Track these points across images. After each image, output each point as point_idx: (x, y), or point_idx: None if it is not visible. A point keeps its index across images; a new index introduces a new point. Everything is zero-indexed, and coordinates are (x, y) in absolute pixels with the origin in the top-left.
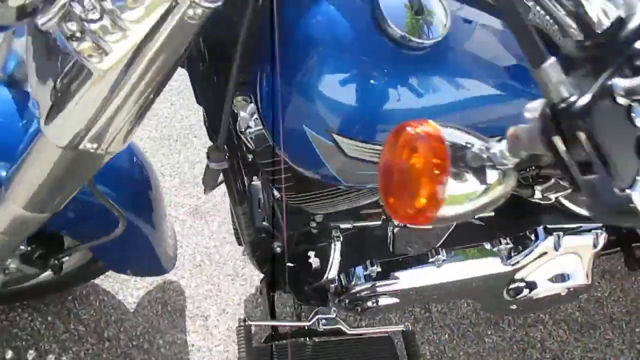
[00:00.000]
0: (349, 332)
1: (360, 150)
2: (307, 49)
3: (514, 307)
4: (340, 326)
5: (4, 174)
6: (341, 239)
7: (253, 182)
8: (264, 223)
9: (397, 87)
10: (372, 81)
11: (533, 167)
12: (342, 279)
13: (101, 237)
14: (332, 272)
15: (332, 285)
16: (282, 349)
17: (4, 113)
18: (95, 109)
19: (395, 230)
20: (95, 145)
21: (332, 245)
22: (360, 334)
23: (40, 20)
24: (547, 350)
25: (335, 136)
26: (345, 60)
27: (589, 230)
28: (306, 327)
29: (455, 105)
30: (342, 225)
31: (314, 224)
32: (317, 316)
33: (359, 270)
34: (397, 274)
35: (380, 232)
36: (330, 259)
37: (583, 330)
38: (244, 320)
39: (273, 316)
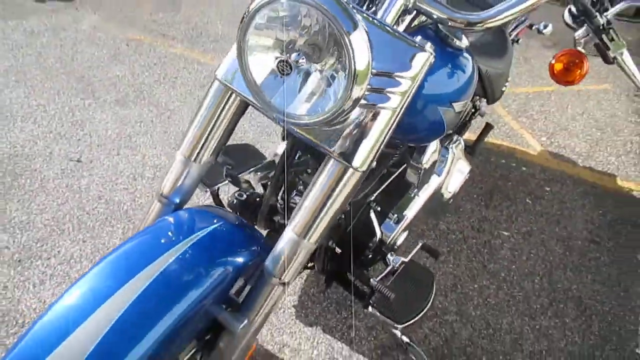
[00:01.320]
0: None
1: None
2: None
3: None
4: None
5: None
6: (377, 207)
7: None
8: None
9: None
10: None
11: None
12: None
13: None
14: (378, 233)
15: (380, 244)
16: None
17: None
18: None
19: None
20: None
21: (371, 214)
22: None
23: None
24: None
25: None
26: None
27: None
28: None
29: None
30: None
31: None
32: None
33: (387, 224)
34: (405, 212)
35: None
36: (374, 225)
37: None
38: None
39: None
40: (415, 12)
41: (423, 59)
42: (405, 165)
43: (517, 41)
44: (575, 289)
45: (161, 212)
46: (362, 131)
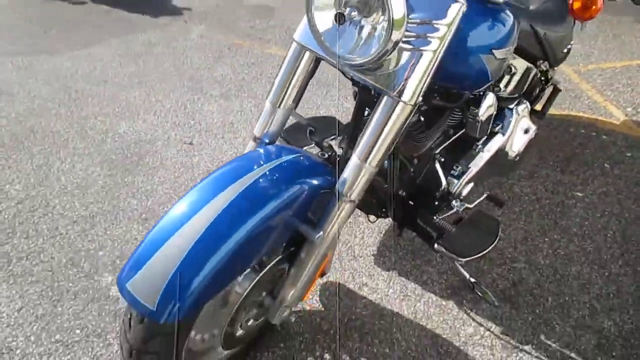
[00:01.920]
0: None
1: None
2: None
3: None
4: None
5: None
6: (441, 159)
7: None
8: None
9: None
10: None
11: None
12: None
13: None
14: (444, 183)
15: (447, 193)
16: None
17: None
18: None
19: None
20: None
21: (437, 166)
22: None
23: None
24: None
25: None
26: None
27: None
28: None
29: None
30: (437, 150)
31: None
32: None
33: (453, 175)
34: (470, 165)
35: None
36: (440, 175)
37: None
38: None
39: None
40: None
41: (456, 8)
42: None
43: None
44: None
45: (254, 149)
46: (409, 71)
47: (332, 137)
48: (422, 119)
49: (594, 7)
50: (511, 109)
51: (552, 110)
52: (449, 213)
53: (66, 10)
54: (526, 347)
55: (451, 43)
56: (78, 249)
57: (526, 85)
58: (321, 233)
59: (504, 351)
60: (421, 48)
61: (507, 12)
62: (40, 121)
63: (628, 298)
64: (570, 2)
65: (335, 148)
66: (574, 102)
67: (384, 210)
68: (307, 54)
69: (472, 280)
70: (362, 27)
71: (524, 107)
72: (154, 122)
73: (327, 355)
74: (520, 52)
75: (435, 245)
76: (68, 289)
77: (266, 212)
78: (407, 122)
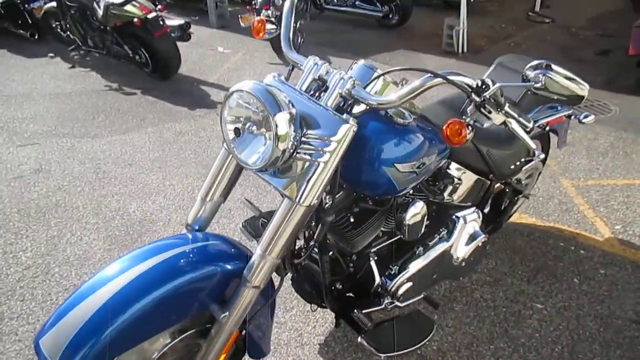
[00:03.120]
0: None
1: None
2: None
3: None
4: None
5: None
6: (375, 257)
7: None
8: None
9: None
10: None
11: None
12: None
13: None
14: (377, 280)
15: (379, 290)
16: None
17: None
18: None
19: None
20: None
21: (372, 262)
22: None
23: None
24: None
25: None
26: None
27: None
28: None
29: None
30: (373, 250)
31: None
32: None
33: (389, 274)
34: (408, 265)
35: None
36: (375, 273)
37: None
38: None
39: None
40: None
41: (345, 128)
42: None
43: (544, 129)
44: None
45: None
46: (305, 178)
47: None
48: (352, 220)
49: (461, 135)
50: (458, 217)
51: (537, 221)
52: (372, 309)
53: (118, 99)
54: None
55: (358, 155)
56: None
57: (478, 196)
58: (226, 313)
59: None
60: (316, 159)
61: (414, 131)
62: (65, 197)
63: None
64: (444, 129)
65: None
66: (562, 215)
67: (322, 302)
68: (232, 157)
69: None
70: (258, 139)
71: (473, 216)
72: (161, 204)
73: None
74: (468, 166)
75: (359, 338)
76: None
77: (175, 284)
78: (304, 220)
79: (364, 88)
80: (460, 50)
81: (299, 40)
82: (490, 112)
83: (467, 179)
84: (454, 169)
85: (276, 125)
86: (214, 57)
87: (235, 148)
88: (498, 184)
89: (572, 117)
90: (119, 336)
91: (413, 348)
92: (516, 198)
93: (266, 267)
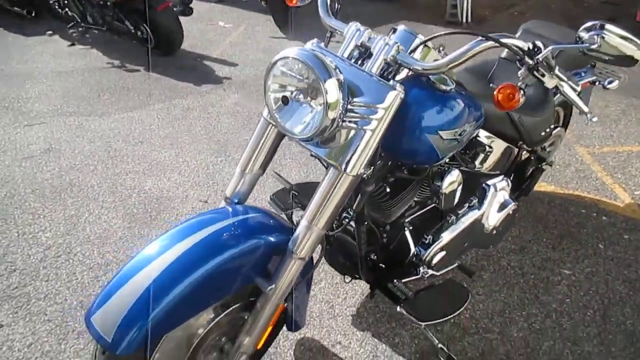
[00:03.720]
0: None
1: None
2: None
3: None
4: None
5: None
6: (409, 227)
7: None
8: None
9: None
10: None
11: None
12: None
13: None
14: (413, 250)
15: (414, 260)
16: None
17: None
18: None
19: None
20: None
21: (407, 232)
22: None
23: None
24: None
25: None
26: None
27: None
28: None
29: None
30: (407, 219)
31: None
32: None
33: (423, 243)
34: (442, 234)
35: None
36: (410, 242)
37: None
38: None
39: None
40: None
41: (393, 95)
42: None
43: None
44: (631, 324)
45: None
46: (352, 147)
47: None
48: (388, 189)
49: (513, 100)
50: (489, 185)
51: (556, 189)
52: (410, 279)
53: (122, 76)
54: None
55: (400, 123)
56: (89, 293)
57: (507, 164)
58: (273, 286)
59: None
60: (363, 127)
61: (456, 97)
62: (78, 176)
63: None
64: (495, 94)
65: None
66: (581, 182)
67: (357, 273)
68: (272, 128)
69: (440, 346)
70: (304, 108)
71: (503, 184)
72: (177, 181)
73: None
74: (498, 134)
75: (398, 308)
76: (74, 329)
77: (220, 259)
78: (350, 190)
79: (408, 54)
80: (464, 20)
81: (337, 7)
82: (543, 75)
83: (497, 147)
84: (483, 137)
85: (326, 92)
86: (215, 32)
87: (279, 118)
88: (524, 152)
89: (596, 83)
90: (167, 314)
91: (452, 316)
92: (540, 166)
93: (312, 239)
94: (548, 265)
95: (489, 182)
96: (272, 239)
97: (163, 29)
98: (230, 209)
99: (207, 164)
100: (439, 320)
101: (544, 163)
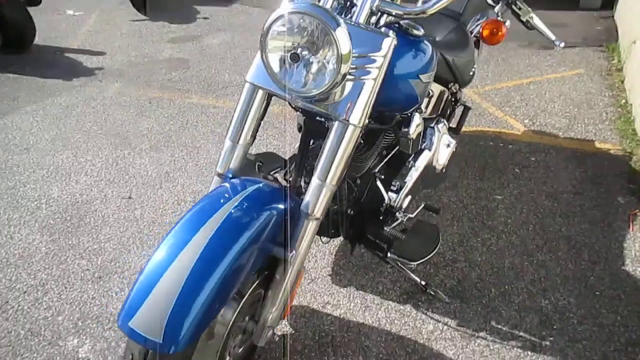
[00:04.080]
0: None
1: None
2: None
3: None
4: None
5: None
6: (380, 176)
7: None
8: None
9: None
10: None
11: None
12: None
13: None
14: (386, 198)
15: (389, 208)
16: None
17: None
18: None
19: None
20: None
21: (378, 183)
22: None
23: None
24: None
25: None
26: None
27: None
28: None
29: None
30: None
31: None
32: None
33: (392, 190)
34: (405, 180)
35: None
36: (382, 191)
37: None
38: None
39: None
40: (379, 13)
41: (388, 41)
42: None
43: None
44: (565, 229)
45: (219, 184)
46: (355, 98)
47: (276, 170)
48: (362, 141)
49: (499, 33)
50: (433, 128)
51: (463, 128)
52: (392, 225)
53: None
54: (481, 334)
55: (385, 72)
56: (34, 318)
57: (442, 106)
58: (294, 252)
59: (463, 340)
60: (362, 78)
61: (426, 42)
62: None
63: (556, 279)
64: (481, 30)
65: (280, 180)
66: (479, 119)
67: (333, 231)
68: (260, 92)
69: (423, 283)
70: (311, 64)
71: (443, 125)
72: (87, 182)
73: None
74: (435, 77)
75: (389, 254)
76: None
77: (243, 242)
78: (357, 142)
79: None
80: None
81: None
82: (520, 8)
83: (436, 90)
84: None
85: (338, 42)
86: (66, 22)
87: (284, 78)
88: (447, 95)
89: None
90: (208, 306)
91: (435, 250)
92: (466, 105)
93: (327, 196)
94: (481, 194)
95: (432, 125)
96: (281, 206)
97: (12, 23)
98: (228, 186)
99: (114, 159)
100: (427, 257)
101: (466, 103)
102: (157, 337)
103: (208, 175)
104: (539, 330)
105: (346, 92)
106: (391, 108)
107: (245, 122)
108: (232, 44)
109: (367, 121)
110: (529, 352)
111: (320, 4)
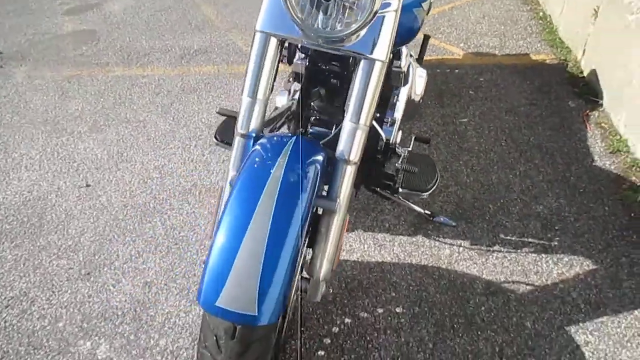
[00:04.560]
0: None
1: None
2: None
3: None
4: None
5: None
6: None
7: None
8: None
9: None
10: None
11: None
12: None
13: None
14: (383, 136)
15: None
16: None
17: None
18: None
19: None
20: None
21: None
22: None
23: None
24: None
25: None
26: None
27: None
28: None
29: None
30: None
31: None
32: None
33: (386, 128)
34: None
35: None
36: (379, 130)
37: None
38: None
39: None
40: None
41: None
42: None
43: None
44: (534, 139)
45: (245, 146)
46: (378, 34)
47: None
48: None
49: None
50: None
51: None
52: (399, 161)
53: None
54: (495, 248)
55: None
56: (30, 330)
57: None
58: (338, 201)
59: (481, 257)
60: (382, 11)
61: None
62: None
63: (542, 185)
64: None
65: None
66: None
67: None
68: (272, 40)
69: (427, 212)
70: (341, 4)
71: (410, 57)
72: (31, 178)
73: (346, 319)
74: None
75: (400, 190)
76: None
77: (305, 203)
78: (383, 78)
79: None
80: None
81: None
82: None
83: None
84: None
85: None
86: None
87: (312, 21)
88: None
89: None
90: (288, 276)
91: (438, 178)
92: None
93: (362, 138)
94: (447, 120)
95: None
96: (319, 157)
97: None
98: (264, 146)
99: (53, 148)
100: (435, 185)
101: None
102: (252, 311)
103: (166, 148)
104: (544, 233)
105: (367, 28)
106: (400, 39)
107: (261, 75)
108: (139, 8)
109: (391, 55)
110: (544, 255)
111: None
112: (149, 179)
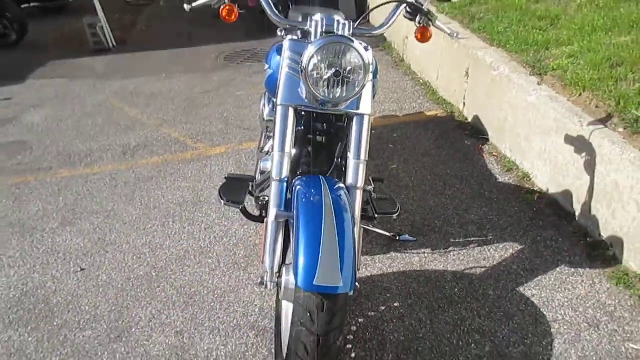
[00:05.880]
0: None
1: None
2: None
3: None
4: None
5: None
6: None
7: None
8: None
9: None
10: None
11: None
12: None
13: None
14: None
15: None
16: None
17: None
18: None
19: None
20: None
21: None
22: None
23: None
24: None
25: None
26: None
27: None
28: None
29: None
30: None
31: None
32: None
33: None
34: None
35: None
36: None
37: None
38: None
39: None
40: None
41: (371, 52)
42: None
43: None
44: (450, 171)
45: (280, 189)
46: (364, 96)
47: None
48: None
49: (429, 35)
50: None
51: None
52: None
53: None
54: (450, 249)
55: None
56: None
57: None
58: (355, 216)
59: (442, 257)
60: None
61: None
62: None
63: (468, 201)
64: (416, 36)
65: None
66: None
67: None
68: (291, 110)
69: (392, 234)
70: (345, 78)
71: None
72: (20, 273)
73: (359, 319)
74: None
75: (376, 215)
76: None
77: (350, 212)
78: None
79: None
80: (110, 46)
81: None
82: (432, 15)
83: None
84: None
85: (367, 60)
86: None
87: (327, 91)
88: None
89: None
90: (355, 253)
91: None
92: None
93: (364, 169)
94: (381, 168)
95: None
96: (341, 185)
97: None
98: (301, 188)
99: (32, 245)
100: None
101: None
102: (339, 283)
103: (145, 229)
104: (481, 232)
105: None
106: None
107: (286, 135)
108: (60, 117)
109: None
110: (485, 246)
111: (312, 38)
112: (141, 254)
